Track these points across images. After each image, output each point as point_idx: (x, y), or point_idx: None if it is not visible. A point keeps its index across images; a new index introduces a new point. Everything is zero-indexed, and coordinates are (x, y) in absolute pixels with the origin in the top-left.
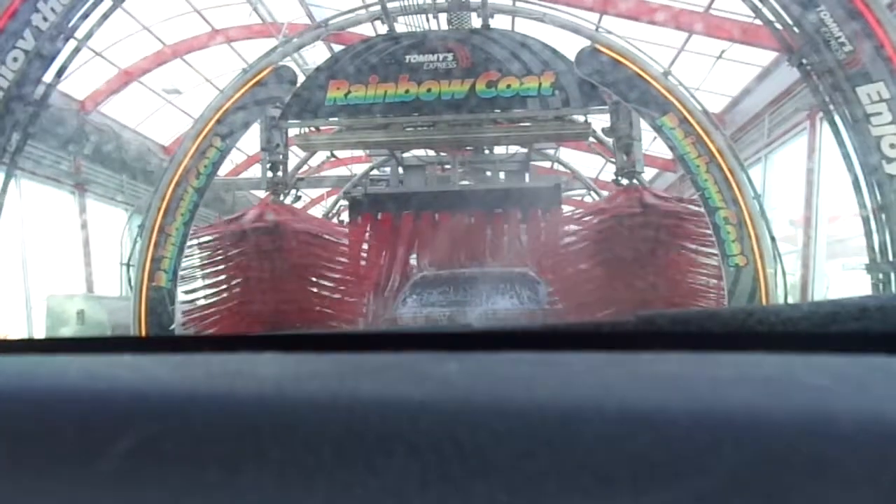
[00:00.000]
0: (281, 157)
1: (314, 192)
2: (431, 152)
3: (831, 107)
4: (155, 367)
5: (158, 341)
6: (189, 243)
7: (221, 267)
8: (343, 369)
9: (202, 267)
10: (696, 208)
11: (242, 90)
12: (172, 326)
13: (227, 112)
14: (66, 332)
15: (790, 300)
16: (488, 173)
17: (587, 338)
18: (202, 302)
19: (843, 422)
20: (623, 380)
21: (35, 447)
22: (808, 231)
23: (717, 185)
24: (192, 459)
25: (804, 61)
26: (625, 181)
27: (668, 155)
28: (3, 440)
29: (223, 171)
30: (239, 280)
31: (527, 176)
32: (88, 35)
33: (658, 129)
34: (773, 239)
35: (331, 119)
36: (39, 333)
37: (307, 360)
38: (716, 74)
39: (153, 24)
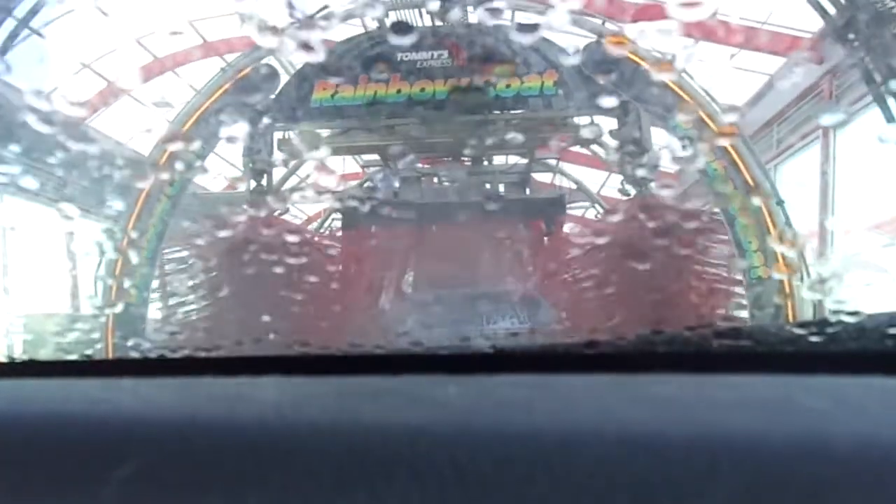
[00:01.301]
0: (265, 164)
1: (310, 209)
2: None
3: (882, 89)
4: (156, 391)
5: (159, 364)
6: (164, 257)
7: (198, 282)
8: (343, 393)
9: (177, 281)
10: (714, 217)
11: (220, 90)
12: (143, 345)
13: (204, 114)
14: (45, 353)
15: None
16: (487, 185)
17: (586, 359)
18: (178, 317)
19: (840, 445)
20: (622, 403)
21: (36, 473)
22: (822, 244)
23: (737, 191)
24: (194, 484)
25: (850, 36)
26: (633, 190)
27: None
28: (2, 466)
29: (218, 187)
30: (218, 295)
31: (527, 190)
32: (31, 13)
33: (671, 131)
34: (800, 249)
35: (316, 122)
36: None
37: (307, 384)
38: (721, 83)
39: (143, 36)
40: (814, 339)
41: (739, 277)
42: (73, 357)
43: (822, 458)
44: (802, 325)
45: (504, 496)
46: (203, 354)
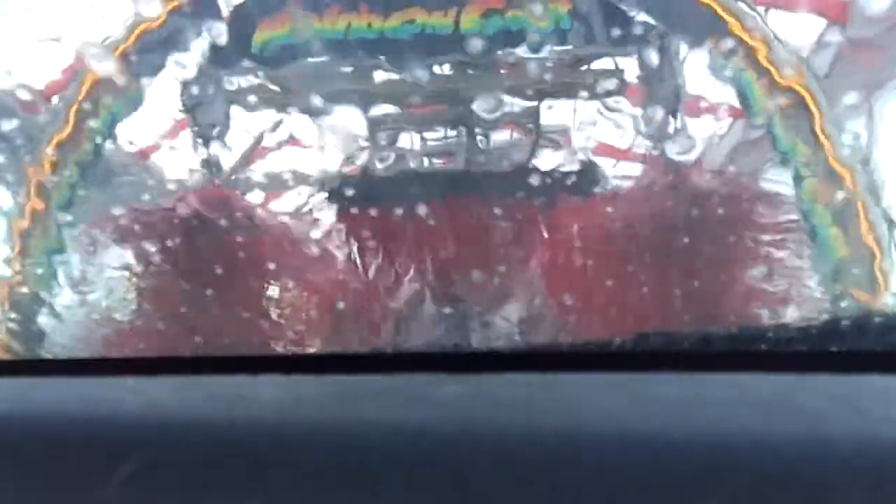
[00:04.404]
0: (217, 123)
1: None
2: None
3: None
4: (156, 390)
5: (159, 363)
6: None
7: (130, 268)
8: (343, 392)
9: (98, 268)
10: (773, 183)
11: (143, 27)
12: (44, 347)
13: (126, 59)
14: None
15: None
16: (485, 152)
17: (586, 358)
18: (102, 314)
19: (840, 445)
20: (622, 402)
21: (36, 473)
22: None
23: (804, 146)
24: (194, 484)
25: None
26: (661, 150)
27: None
28: (2, 466)
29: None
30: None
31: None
32: None
33: (718, 71)
34: (891, 221)
35: (268, 66)
36: None
37: (306, 383)
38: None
39: (108, 13)
40: (814, 338)
41: (809, 272)
42: (73, 356)
43: (822, 458)
44: (802, 324)
45: (503, 495)
46: (203, 354)
